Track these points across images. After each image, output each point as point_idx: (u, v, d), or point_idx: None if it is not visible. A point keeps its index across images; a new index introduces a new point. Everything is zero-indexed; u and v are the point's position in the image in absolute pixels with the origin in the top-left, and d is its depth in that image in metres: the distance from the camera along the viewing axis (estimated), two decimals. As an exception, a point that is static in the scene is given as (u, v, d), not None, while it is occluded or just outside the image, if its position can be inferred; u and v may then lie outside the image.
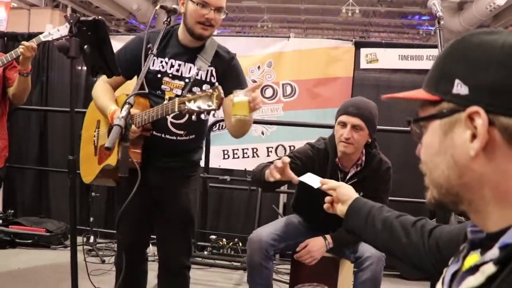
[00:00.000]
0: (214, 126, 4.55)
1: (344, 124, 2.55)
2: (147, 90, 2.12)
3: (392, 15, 15.69)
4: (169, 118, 2.30)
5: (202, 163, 4.18)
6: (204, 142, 2.70)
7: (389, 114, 4.50)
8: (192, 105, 1.94)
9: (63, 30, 2.85)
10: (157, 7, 2.32)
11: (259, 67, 4.80)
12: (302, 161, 2.59)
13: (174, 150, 2.39)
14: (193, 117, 1.96)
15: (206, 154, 4.19)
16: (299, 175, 2.57)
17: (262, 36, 5.21)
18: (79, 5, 14.18)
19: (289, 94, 4.77)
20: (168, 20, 2.36)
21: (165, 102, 2.12)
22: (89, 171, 2.52)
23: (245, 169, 3.98)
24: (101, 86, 2.42)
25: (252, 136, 4.79)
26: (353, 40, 4.72)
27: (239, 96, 1.99)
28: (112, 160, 2.31)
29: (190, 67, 2.36)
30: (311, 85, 4.72)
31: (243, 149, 4.82)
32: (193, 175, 2.52)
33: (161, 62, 2.34)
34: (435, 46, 4.61)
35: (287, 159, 2.01)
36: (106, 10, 13.21)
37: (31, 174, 5.17)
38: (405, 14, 15.60)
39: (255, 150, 4.79)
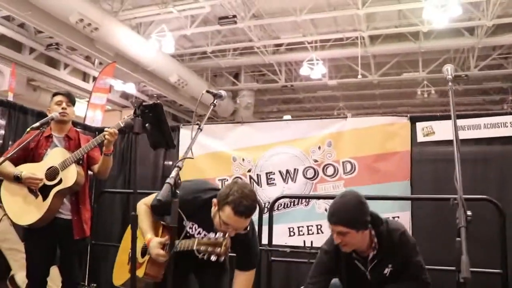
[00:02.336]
0: (277, 206, 4.80)
1: (333, 231, 2.75)
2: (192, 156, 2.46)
3: (472, 93, 15.48)
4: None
5: (265, 240, 4.38)
6: None
7: (420, 183, 4.54)
8: (206, 248, 2.46)
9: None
10: (204, 91, 2.69)
11: (319, 147, 5.07)
12: (321, 273, 2.89)
13: (203, 263, 2.68)
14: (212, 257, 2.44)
15: (269, 232, 4.36)
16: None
17: (321, 118, 5.49)
18: (164, 104, 15.44)
19: (349, 171, 4.94)
20: (214, 102, 2.70)
21: (188, 240, 2.63)
22: (120, 275, 3.06)
23: (304, 241, 4.09)
24: (144, 209, 2.91)
25: (316, 213, 4.96)
26: (408, 115, 4.86)
27: None
28: (140, 272, 2.79)
29: (212, 235, 2.77)
30: (370, 161, 4.89)
31: (307, 226, 4.98)
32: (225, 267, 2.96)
33: (191, 225, 2.82)
34: (495, 114, 4.65)
35: None
36: (188, 107, 14.28)
37: (115, 252, 5.59)
38: (486, 90, 15.32)
39: (319, 226, 4.93)
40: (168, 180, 2.23)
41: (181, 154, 5.14)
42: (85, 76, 13.64)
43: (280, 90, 14.90)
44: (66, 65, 12.90)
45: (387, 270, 2.79)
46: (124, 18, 10.59)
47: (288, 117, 13.78)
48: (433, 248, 4.08)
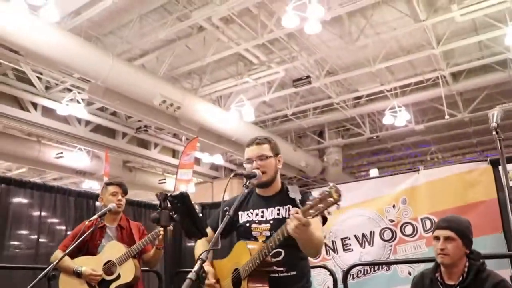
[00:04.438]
0: (356, 273, 4.55)
1: (437, 238, 2.83)
2: (219, 246, 2.33)
3: None
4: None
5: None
6: (310, 282, 2.74)
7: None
8: (316, 209, 2.13)
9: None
10: (232, 175, 2.63)
11: (394, 206, 4.76)
12: None
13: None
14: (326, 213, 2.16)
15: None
16: None
17: (391, 175, 5.20)
18: (252, 172, 15.55)
19: (429, 228, 4.53)
20: (248, 183, 2.64)
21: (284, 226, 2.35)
22: None
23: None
24: (201, 244, 2.86)
25: (400, 277, 4.60)
26: (488, 158, 4.45)
27: None
28: None
29: (271, 210, 2.70)
30: (452, 215, 4.48)
31: (392, 293, 4.61)
32: None
33: (247, 214, 2.74)
34: None
35: None
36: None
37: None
38: None
39: (404, 292, 4.54)
40: (189, 276, 2.10)
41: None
42: (174, 153, 14.28)
43: (366, 142, 14.53)
44: (156, 145, 13.66)
45: None
46: (204, 93, 11.08)
47: (375, 170, 13.29)
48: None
